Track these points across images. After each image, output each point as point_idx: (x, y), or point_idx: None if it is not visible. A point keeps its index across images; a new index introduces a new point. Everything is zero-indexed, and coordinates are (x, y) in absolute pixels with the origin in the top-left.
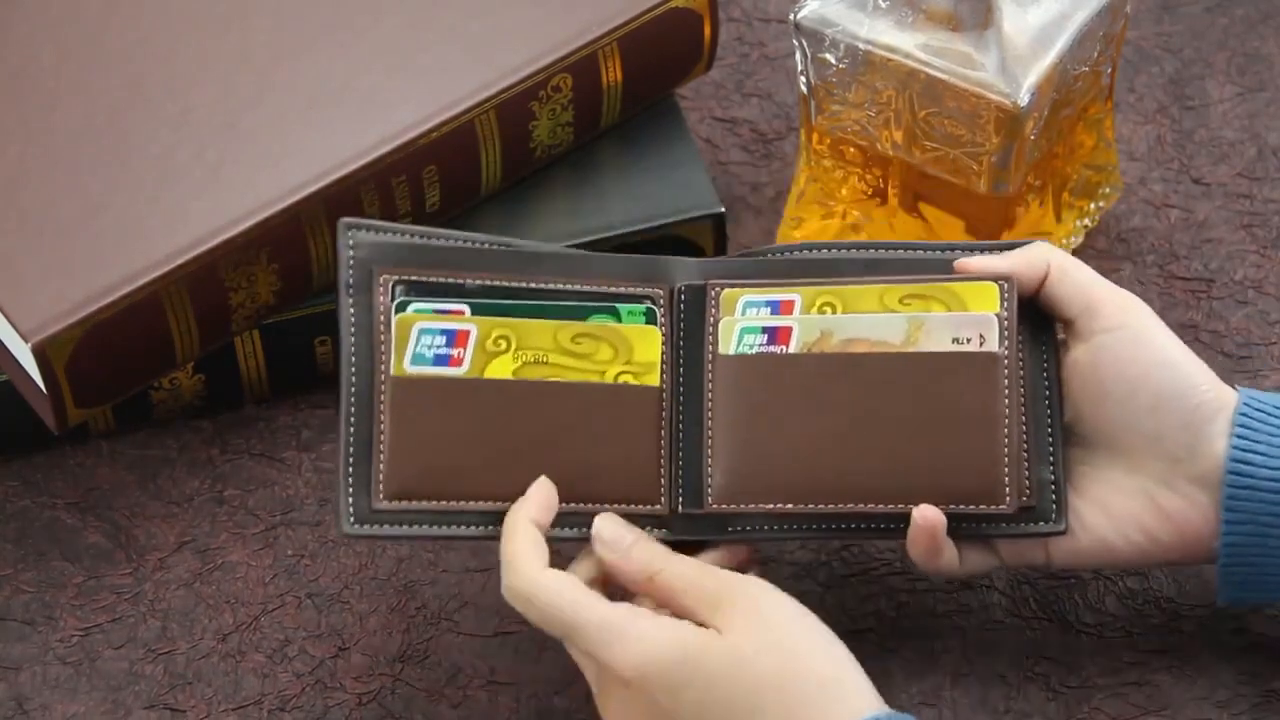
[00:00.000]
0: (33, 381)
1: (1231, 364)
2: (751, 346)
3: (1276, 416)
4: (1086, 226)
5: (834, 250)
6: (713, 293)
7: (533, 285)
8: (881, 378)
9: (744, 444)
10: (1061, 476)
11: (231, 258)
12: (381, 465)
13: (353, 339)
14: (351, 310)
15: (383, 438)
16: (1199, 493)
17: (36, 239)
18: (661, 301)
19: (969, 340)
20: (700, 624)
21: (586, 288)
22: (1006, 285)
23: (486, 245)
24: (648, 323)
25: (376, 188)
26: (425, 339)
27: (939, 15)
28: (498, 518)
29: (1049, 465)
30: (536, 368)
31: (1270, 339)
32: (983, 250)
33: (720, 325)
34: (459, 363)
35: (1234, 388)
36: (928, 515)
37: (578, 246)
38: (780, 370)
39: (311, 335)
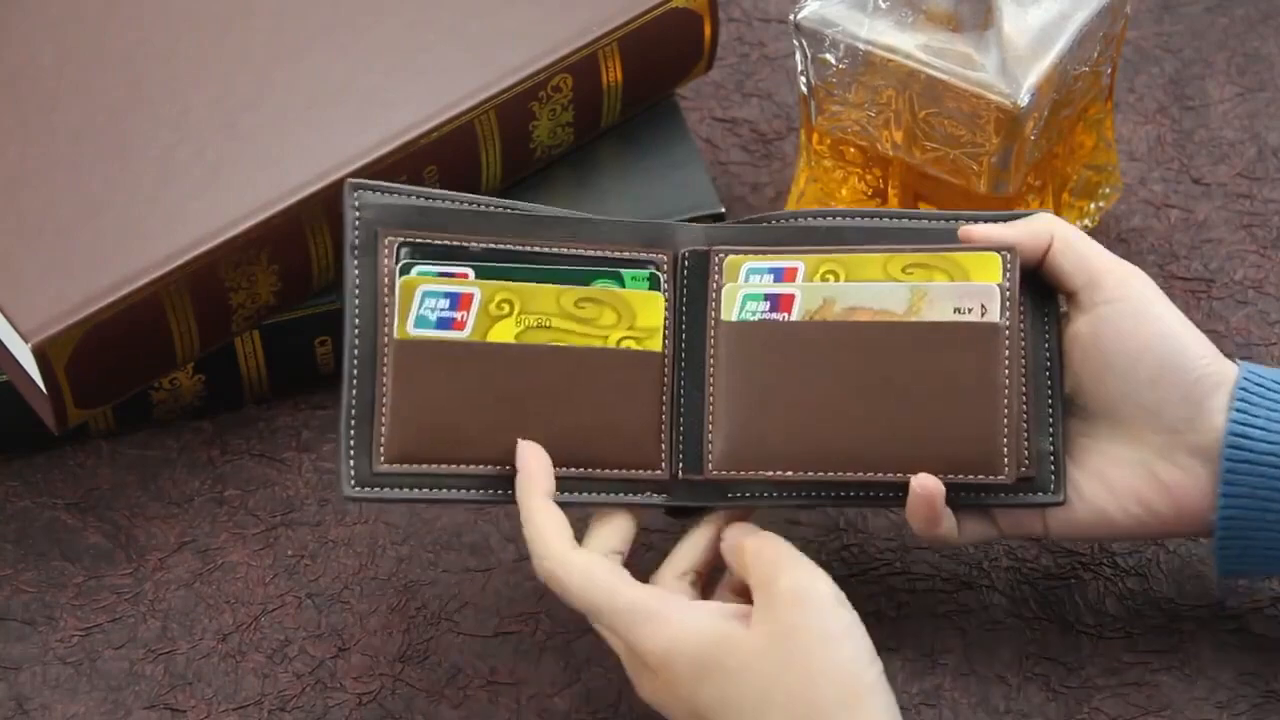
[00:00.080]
0: (33, 382)
1: None
2: (754, 313)
3: (1276, 391)
4: (1086, 227)
5: (838, 217)
6: (716, 259)
7: (537, 249)
8: (883, 347)
9: (745, 411)
10: (1061, 448)
11: (231, 258)
12: (383, 428)
13: (356, 301)
14: (356, 272)
15: (384, 400)
16: (1197, 465)
17: (36, 239)
18: (665, 267)
19: (971, 310)
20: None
21: (591, 252)
22: (1009, 256)
23: (492, 208)
24: (651, 288)
25: None
26: (429, 302)
27: (939, 16)
28: (498, 482)
29: (1048, 436)
30: (539, 332)
31: (1270, 339)
32: (986, 220)
33: (723, 291)
34: (462, 326)
35: (1235, 361)
36: (926, 485)
37: None
38: (782, 338)
39: (311, 335)
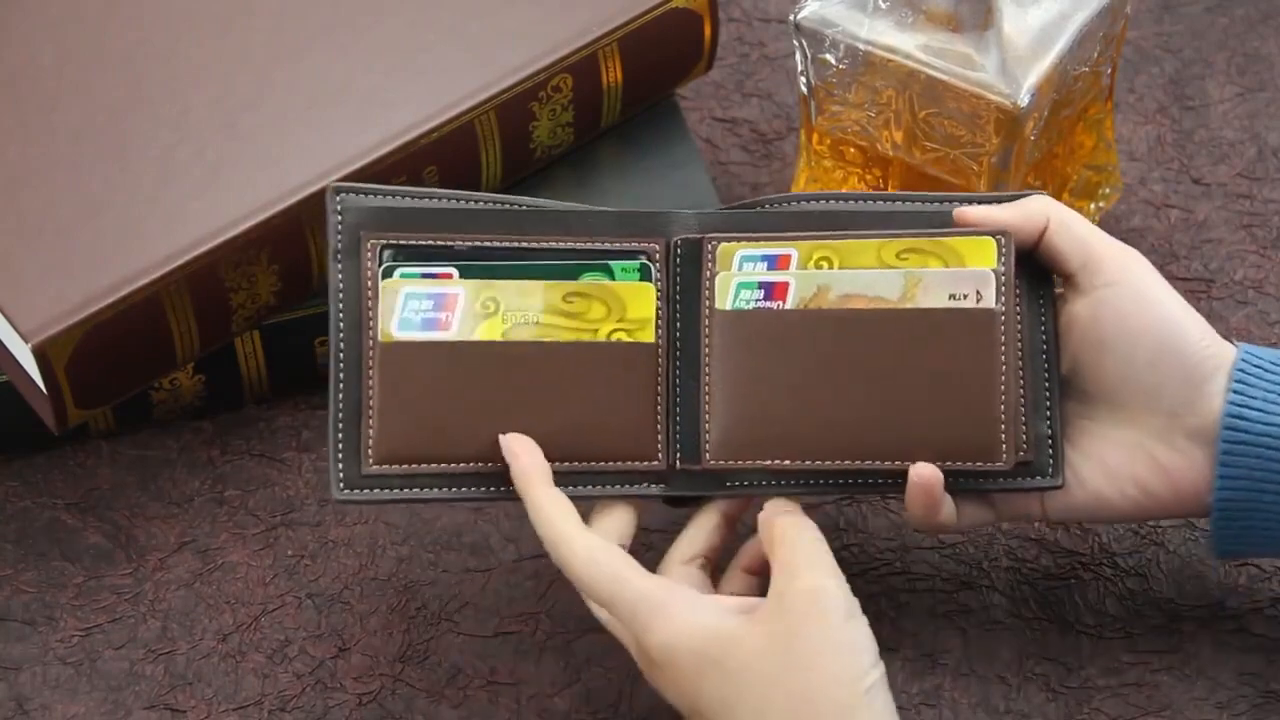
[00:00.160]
0: (33, 382)
1: None
2: (748, 302)
3: (1273, 373)
4: None
5: (830, 201)
6: (709, 247)
7: (524, 245)
8: (878, 334)
9: (741, 400)
10: (1058, 431)
11: (231, 258)
12: (370, 430)
13: (341, 305)
14: (340, 276)
15: (371, 403)
16: (1195, 448)
17: (36, 239)
18: (657, 256)
19: (966, 296)
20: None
21: (579, 245)
22: (1004, 240)
23: (479, 205)
24: (642, 279)
25: None
26: (412, 303)
27: (939, 16)
28: (490, 479)
29: (1045, 420)
30: (526, 329)
31: (1270, 339)
32: (980, 202)
33: (717, 280)
34: (447, 326)
35: (1234, 343)
36: (924, 474)
37: None
38: (777, 326)
39: (311, 335)
